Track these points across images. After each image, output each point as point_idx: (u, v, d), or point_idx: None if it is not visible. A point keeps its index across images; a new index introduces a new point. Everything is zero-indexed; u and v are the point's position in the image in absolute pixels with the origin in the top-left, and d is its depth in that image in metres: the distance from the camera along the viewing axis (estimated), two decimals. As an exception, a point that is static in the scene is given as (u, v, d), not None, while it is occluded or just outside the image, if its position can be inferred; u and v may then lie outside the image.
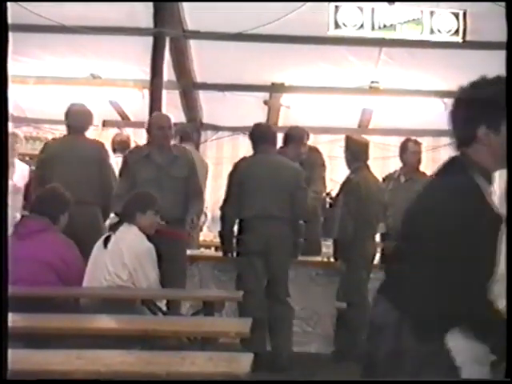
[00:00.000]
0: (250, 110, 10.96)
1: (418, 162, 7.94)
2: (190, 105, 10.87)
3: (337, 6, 8.34)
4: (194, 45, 9.64)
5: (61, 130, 9.80)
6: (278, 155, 7.35)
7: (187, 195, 6.92)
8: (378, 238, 7.60)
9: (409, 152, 7.90)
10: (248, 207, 7.00)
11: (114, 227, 6.05)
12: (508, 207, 2.72)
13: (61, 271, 5.69)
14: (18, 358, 3.64)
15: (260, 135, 7.30)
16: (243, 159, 7.41)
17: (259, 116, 11.23)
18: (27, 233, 5.79)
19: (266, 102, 10.88)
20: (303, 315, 7.49)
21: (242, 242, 7.04)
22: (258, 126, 7.53)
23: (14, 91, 10.88)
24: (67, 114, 7.44)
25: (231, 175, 7.22)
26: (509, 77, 2.80)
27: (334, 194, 7.90)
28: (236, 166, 7.25)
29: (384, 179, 8.04)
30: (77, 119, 7.38)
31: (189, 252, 7.29)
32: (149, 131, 7.07)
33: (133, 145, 9.67)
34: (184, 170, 6.95)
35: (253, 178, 7.05)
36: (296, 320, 7.34)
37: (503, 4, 3.44)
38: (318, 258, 7.67)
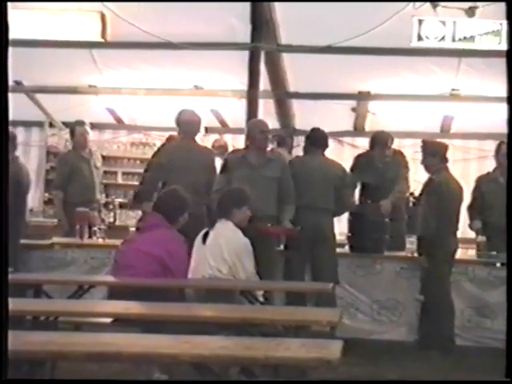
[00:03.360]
0: (338, 117, 10.95)
1: None
2: (283, 112, 10.89)
3: (420, 20, 8.32)
4: (287, 57, 9.67)
5: (167, 137, 9.97)
6: (327, 157, 7.60)
7: (279, 195, 6.97)
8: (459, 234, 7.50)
9: (503, 154, 7.76)
10: (299, 199, 7.13)
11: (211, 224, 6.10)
12: (508, 206, 2.63)
13: (165, 263, 5.73)
14: (134, 342, 3.73)
15: (315, 139, 7.55)
16: (296, 157, 7.82)
17: (347, 122, 11.22)
18: (144, 227, 6.01)
19: (353, 109, 10.85)
20: (389, 306, 7.44)
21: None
22: (314, 130, 7.75)
23: (126, 102, 11.12)
24: (179, 121, 7.44)
25: None
26: (509, 77, 2.71)
27: (417, 193, 7.84)
28: (290, 164, 7.39)
29: (477, 180, 7.98)
30: (189, 125, 7.41)
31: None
32: (249, 135, 7.14)
33: (231, 149, 9.78)
34: (276, 172, 7.01)
35: (303, 175, 7.23)
36: (382, 310, 7.33)
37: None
38: (403, 254, 7.60)
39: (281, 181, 7.00)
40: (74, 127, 9.00)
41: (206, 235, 5.97)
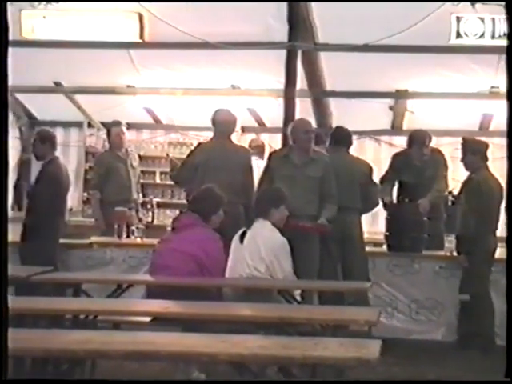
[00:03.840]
0: (375, 115, 10.89)
1: None
2: (320, 111, 10.86)
3: (458, 17, 8.24)
4: (324, 56, 9.65)
5: (204, 136, 9.99)
6: (351, 155, 7.67)
7: (320, 195, 6.95)
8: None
9: None
10: None
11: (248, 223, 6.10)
12: (508, 205, 2.59)
13: (202, 262, 5.76)
14: (172, 341, 3.75)
15: (339, 137, 7.64)
16: None
17: (384, 120, 11.16)
18: (179, 227, 6.00)
19: (391, 108, 10.79)
20: (428, 305, 7.39)
21: None
22: (338, 128, 7.86)
23: (163, 101, 11.18)
24: (214, 120, 7.42)
25: None
26: (509, 77, 2.67)
27: (455, 192, 7.77)
28: None
29: None
30: (224, 124, 7.40)
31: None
32: (293, 134, 7.12)
33: (267, 149, 9.78)
34: (319, 171, 6.99)
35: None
36: (421, 309, 7.29)
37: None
38: (441, 253, 7.55)
39: (323, 180, 6.98)
40: (111, 127, 9.07)
41: (243, 235, 5.98)
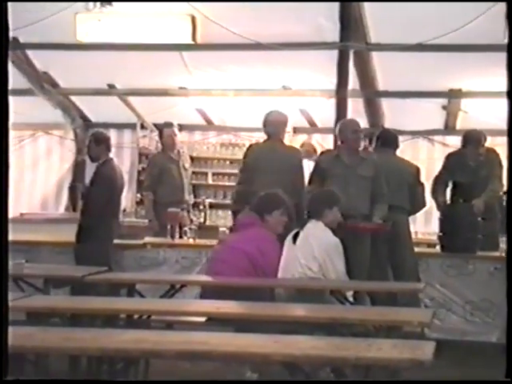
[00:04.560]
0: (428, 115, 10.80)
1: None
2: (372, 111, 10.81)
3: (513, 15, 8.09)
4: (376, 56, 9.59)
5: (256, 137, 10.02)
6: (398, 156, 7.65)
7: (371, 195, 6.93)
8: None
9: None
10: None
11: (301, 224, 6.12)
12: (508, 206, 2.54)
13: (256, 260, 5.83)
14: (225, 341, 3.77)
15: (385, 139, 7.60)
16: None
17: (437, 120, 11.06)
18: (238, 225, 6.18)
19: (444, 107, 10.69)
20: (482, 307, 7.30)
21: None
22: (384, 131, 7.93)
23: (215, 103, 11.23)
24: (266, 121, 7.43)
25: None
26: (509, 76, 2.62)
27: (511, 192, 7.65)
28: None
29: None
30: (275, 126, 7.42)
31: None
32: (341, 135, 7.12)
33: (319, 150, 9.75)
34: (370, 171, 6.99)
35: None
36: (475, 311, 7.20)
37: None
38: (497, 254, 7.45)
39: (374, 180, 6.98)
40: (163, 129, 9.15)
41: (296, 235, 5.99)
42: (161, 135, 9.26)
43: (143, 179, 10.13)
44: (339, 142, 7.22)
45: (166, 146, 9.06)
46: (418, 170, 7.61)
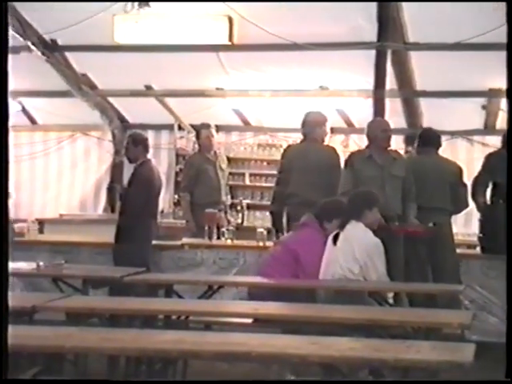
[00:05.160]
0: (467, 115, 10.70)
1: None
2: (410, 111, 10.74)
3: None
4: (414, 55, 9.53)
5: (293, 138, 10.01)
6: (441, 156, 7.59)
7: (402, 194, 6.91)
8: None
9: None
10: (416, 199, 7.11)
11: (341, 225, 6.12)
12: (508, 204, 2.49)
13: (298, 257, 6.00)
14: (263, 342, 3.77)
15: (427, 138, 7.58)
16: (409, 158, 7.87)
17: (476, 120, 10.95)
18: (297, 225, 6.42)
19: (484, 107, 10.58)
20: (511, 308, 7.21)
21: None
22: (426, 130, 7.89)
23: (252, 103, 11.24)
24: (305, 122, 7.48)
25: None
26: (509, 76, 2.57)
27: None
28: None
29: None
30: (312, 126, 7.42)
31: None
32: (370, 134, 7.11)
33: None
34: (402, 171, 7.01)
35: (419, 174, 7.16)
36: (504, 312, 7.12)
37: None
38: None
39: (405, 179, 6.98)
40: (200, 130, 9.17)
41: (336, 236, 5.98)
42: (198, 136, 9.29)
43: (180, 180, 10.16)
44: (368, 142, 7.19)
45: (203, 146, 9.09)
46: (460, 169, 7.54)
